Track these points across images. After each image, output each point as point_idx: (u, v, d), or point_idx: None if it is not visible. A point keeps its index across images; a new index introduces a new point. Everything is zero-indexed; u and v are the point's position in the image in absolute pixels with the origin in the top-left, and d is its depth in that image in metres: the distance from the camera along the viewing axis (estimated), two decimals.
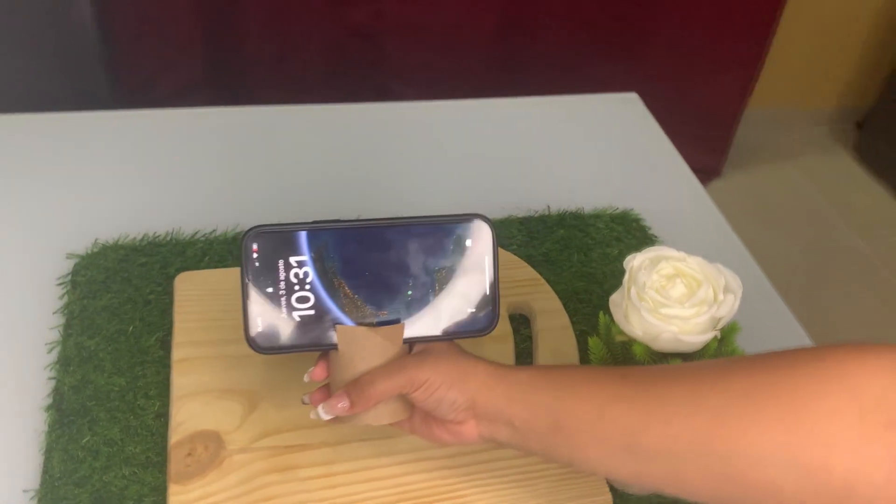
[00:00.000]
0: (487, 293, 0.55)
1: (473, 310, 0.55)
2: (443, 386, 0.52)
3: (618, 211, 0.93)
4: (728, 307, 0.54)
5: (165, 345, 0.73)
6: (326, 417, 0.54)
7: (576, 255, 0.87)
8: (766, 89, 2.29)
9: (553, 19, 1.83)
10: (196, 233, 0.84)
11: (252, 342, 0.53)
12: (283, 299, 0.53)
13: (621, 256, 0.87)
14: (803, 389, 0.43)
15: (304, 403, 0.58)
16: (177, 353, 0.70)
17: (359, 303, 0.54)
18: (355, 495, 0.62)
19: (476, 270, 0.55)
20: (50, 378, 0.70)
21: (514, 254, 0.85)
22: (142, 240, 0.83)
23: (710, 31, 1.98)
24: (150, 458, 0.64)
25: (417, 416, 0.57)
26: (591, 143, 1.06)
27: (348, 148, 0.99)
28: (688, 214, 0.96)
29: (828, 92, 2.58)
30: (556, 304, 0.79)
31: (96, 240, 0.82)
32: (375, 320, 0.54)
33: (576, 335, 0.76)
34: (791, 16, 2.15)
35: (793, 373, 0.44)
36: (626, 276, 0.56)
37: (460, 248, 0.54)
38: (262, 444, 0.64)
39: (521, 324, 0.78)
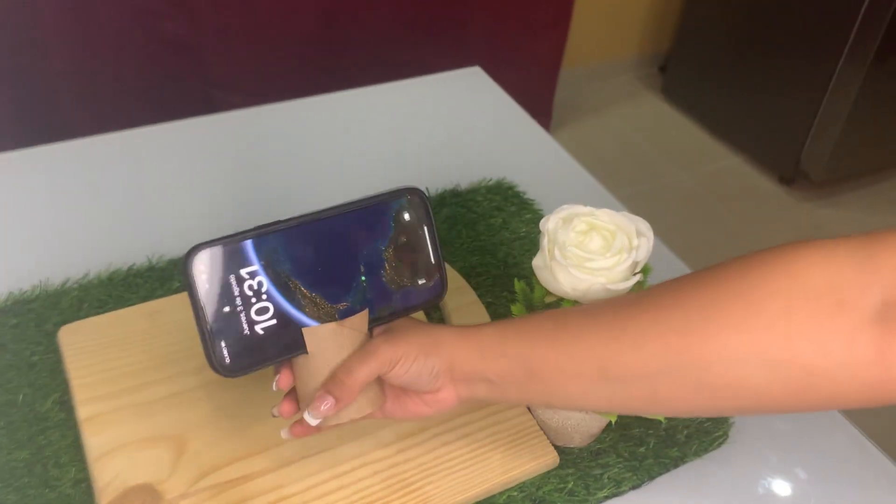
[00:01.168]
0: (433, 261, 0.56)
1: (424, 280, 0.56)
2: (420, 356, 0.52)
3: (492, 182, 0.95)
4: (644, 250, 0.56)
5: (65, 406, 0.67)
6: (315, 422, 0.52)
7: (464, 232, 0.88)
8: (573, 50, 2.40)
9: (370, 7, 1.83)
10: (66, 280, 0.78)
11: (220, 368, 0.50)
12: (242, 315, 0.50)
13: (506, 225, 0.89)
14: (757, 292, 0.46)
15: (273, 416, 0.56)
16: (82, 412, 0.65)
17: (318, 300, 0.52)
18: None
19: (419, 242, 0.55)
20: None
21: None
22: (6, 299, 0.75)
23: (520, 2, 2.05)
24: None
25: (389, 398, 0.56)
26: (449, 121, 1.07)
27: (192, 165, 0.94)
28: (554, 173, 0.99)
29: (628, 42, 2.73)
30: (460, 281, 0.79)
31: None
32: (337, 314, 0.53)
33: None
34: None
35: (744, 280, 0.47)
36: (544, 239, 0.58)
37: (401, 224, 0.54)
38: (203, 485, 0.61)
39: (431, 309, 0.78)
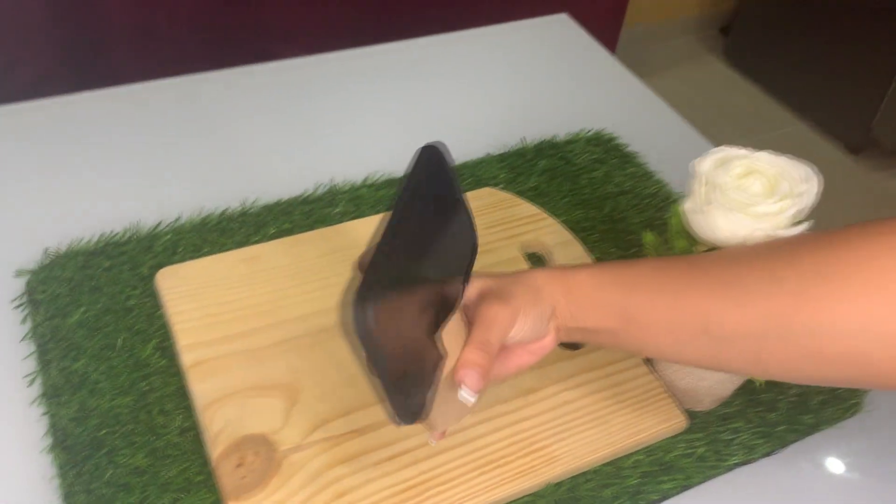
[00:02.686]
0: (461, 206, 0.51)
1: (456, 233, 0.51)
2: (531, 307, 0.50)
3: (591, 133, 0.90)
4: (810, 197, 0.51)
5: (166, 352, 0.64)
6: (472, 399, 0.48)
7: (565, 185, 0.83)
8: (633, 8, 2.32)
9: None
10: (159, 224, 0.74)
11: (411, 417, 0.47)
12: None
13: (608, 178, 0.84)
14: (881, 262, 0.43)
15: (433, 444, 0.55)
16: (187, 359, 0.62)
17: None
18: (437, 468, 0.57)
19: (442, 197, 0.50)
20: (42, 414, 0.60)
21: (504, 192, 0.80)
22: (97, 242, 0.72)
23: None
24: (191, 480, 0.56)
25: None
26: (537, 70, 1.01)
27: (276, 112, 0.90)
28: (655, 126, 0.94)
29: (689, 1, 2.64)
30: (567, 235, 0.75)
31: (46, 249, 0.71)
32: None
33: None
34: None
35: (868, 248, 0.44)
36: (697, 182, 0.53)
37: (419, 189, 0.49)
38: (317, 437, 0.58)
39: (536, 263, 0.74)
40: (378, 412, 0.59)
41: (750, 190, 0.52)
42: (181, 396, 0.61)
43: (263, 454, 0.56)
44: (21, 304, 0.67)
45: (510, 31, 1.08)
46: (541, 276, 0.52)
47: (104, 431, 0.58)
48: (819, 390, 0.65)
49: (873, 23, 2.11)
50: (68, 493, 0.55)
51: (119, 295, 0.68)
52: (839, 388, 0.65)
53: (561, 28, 1.10)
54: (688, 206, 0.54)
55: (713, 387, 0.60)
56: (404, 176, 0.48)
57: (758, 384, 0.64)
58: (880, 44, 2.10)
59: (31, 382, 0.62)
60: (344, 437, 0.58)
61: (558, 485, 0.58)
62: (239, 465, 0.56)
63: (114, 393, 0.61)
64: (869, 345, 0.43)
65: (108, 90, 0.90)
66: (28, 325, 0.65)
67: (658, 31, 2.61)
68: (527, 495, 0.57)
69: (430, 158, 0.49)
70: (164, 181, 0.80)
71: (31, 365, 0.63)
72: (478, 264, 0.53)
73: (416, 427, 0.59)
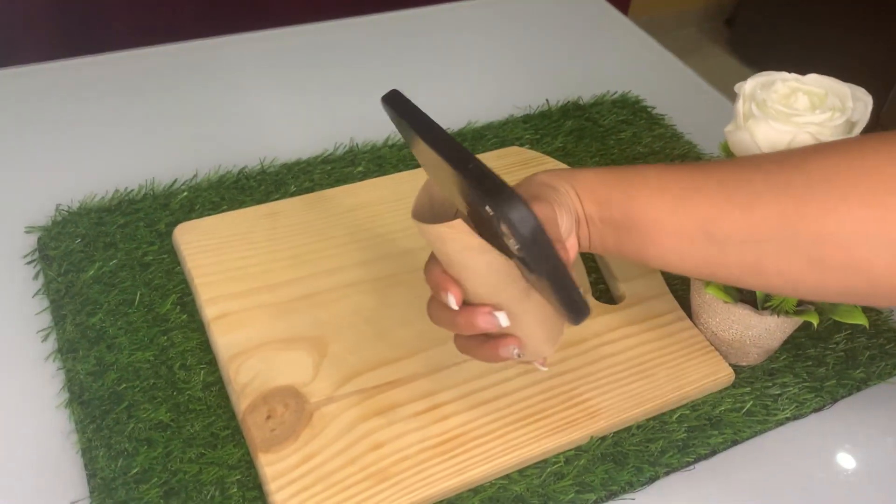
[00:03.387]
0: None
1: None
2: (560, 202, 0.46)
3: (617, 95, 0.88)
4: (862, 110, 0.49)
5: (186, 307, 0.61)
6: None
7: (593, 145, 0.81)
8: (637, 1, 2.31)
9: None
10: (174, 181, 0.72)
11: (585, 310, 0.44)
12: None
13: (636, 139, 0.82)
14: (888, 170, 0.42)
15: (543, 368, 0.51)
16: (210, 312, 0.59)
17: None
18: (476, 421, 0.54)
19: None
20: (58, 370, 0.57)
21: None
22: (112, 199, 0.69)
23: None
24: (217, 434, 0.54)
25: None
26: (559, 36, 0.99)
27: (293, 76, 0.88)
28: (683, 91, 0.92)
29: None
30: None
31: (58, 206, 0.68)
32: None
33: None
34: None
35: (878, 154, 0.43)
36: (739, 102, 0.51)
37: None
38: (349, 390, 0.55)
39: None
40: (412, 365, 0.57)
41: (795, 105, 0.49)
42: (204, 351, 0.58)
43: (293, 406, 0.53)
44: (33, 261, 0.64)
45: (534, 1, 1.06)
46: (545, 176, 0.49)
47: (123, 386, 0.55)
48: (867, 345, 0.63)
49: (879, 13, 2.10)
50: (87, 449, 0.52)
51: (136, 251, 0.65)
52: (888, 343, 0.63)
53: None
54: (729, 128, 0.52)
55: (760, 336, 0.57)
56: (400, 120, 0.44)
57: (811, 329, 0.61)
58: (887, 34, 2.08)
59: (46, 338, 0.59)
60: (377, 390, 0.55)
61: (602, 439, 0.55)
62: (268, 418, 0.53)
63: (133, 348, 0.58)
64: (873, 252, 0.42)
65: (122, 52, 0.87)
66: (41, 280, 0.63)
67: (662, 23, 2.59)
68: (569, 450, 0.54)
69: (398, 100, 0.45)
70: (179, 140, 0.77)
71: (45, 320, 0.60)
72: None
73: (451, 381, 0.56)
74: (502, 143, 0.79)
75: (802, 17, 2.32)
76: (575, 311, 0.43)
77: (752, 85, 0.51)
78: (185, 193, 0.70)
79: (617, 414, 0.55)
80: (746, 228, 0.44)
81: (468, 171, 0.39)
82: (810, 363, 0.61)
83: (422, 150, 0.44)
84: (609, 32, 1.02)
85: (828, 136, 0.48)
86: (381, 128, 0.80)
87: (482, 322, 0.46)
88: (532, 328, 0.47)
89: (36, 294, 0.62)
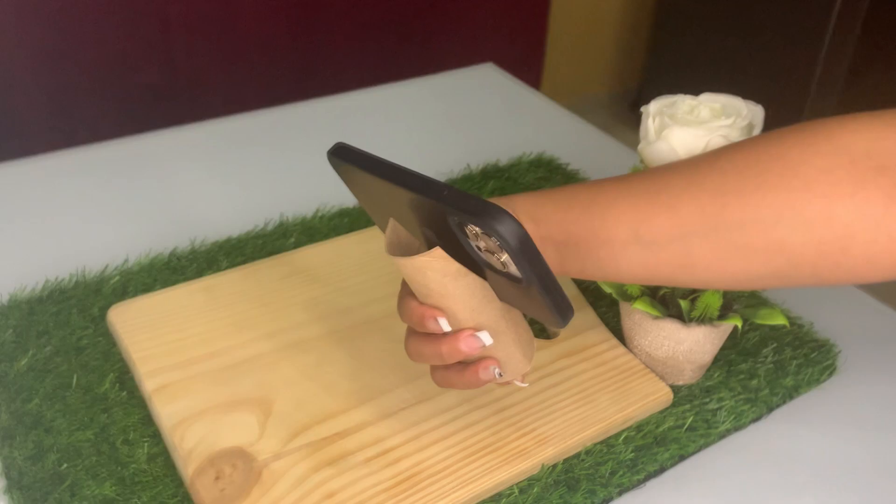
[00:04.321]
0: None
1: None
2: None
3: (532, 156, 0.92)
4: (758, 115, 0.53)
5: (126, 384, 0.60)
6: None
7: None
8: (545, 88, 2.43)
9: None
10: (105, 267, 0.72)
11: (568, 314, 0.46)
12: None
13: None
14: (795, 155, 0.46)
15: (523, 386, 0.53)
16: (150, 384, 0.58)
17: None
18: (428, 460, 0.54)
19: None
20: None
21: None
22: (42, 289, 0.69)
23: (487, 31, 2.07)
24: (165, 503, 0.52)
25: None
26: (474, 108, 1.04)
27: (219, 162, 0.90)
28: (594, 150, 0.97)
29: (598, 80, 2.78)
30: None
31: None
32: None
33: None
34: (556, 19, 2.32)
35: (783, 144, 0.47)
36: (648, 120, 0.54)
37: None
38: (297, 444, 0.55)
39: None
40: (359, 414, 0.57)
41: (700, 116, 0.53)
42: (146, 425, 0.57)
43: (241, 466, 0.53)
44: None
45: (444, 79, 1.11)
46: (501, 200, 0.51)
47: (64, 466, 0.54)
48: (794, 355, 0.65)
49: (770, 98, 2.26)
50: None
51: (69, 337, 0.64)
52: (812, 352, 0.66)
53: (489, 74, 1.14)
54: (642, 146, 0.55)
55: (691, 350, 0.59)
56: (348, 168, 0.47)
57: (736, 339, 0.64)
58: (780, 117, 2.24)
59: None
60: (326, 442, 0.55)
61: (553, 467, 0.56)
62: (217, 479, 0.52)
63: (72, 429, 0.57)
64: (789, 231, 0.45)
65: (45, 155, 0.88)
66: None
67: (572, 107, 2.72)
68: (522, 480, 0.55)
69: (346, 151, 0.47)
70: (107, 227, 0.78)
71: None
72: None
73: (400, 425, 0.56)
74: None
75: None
76: (563, 311, 0.44)
77: (656, 106, 0.55)
78: (117, 278, 0.70)
79: (565, 439, 0.56)
80: (671, 227, 0.47)
81: (444, 197, 0.41)
82: (743, 376, 0.64)
83: (379, 193, 0.46)
84: (521, 103, 1.07)
85: (736, 137, 0.52)
86: (309, 201, 0.82)
87: (465, 345, 0.47)
88: (511, 347, 0.49)
89: None
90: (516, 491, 0.54)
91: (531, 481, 0.55)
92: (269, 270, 0.70)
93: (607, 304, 0.69)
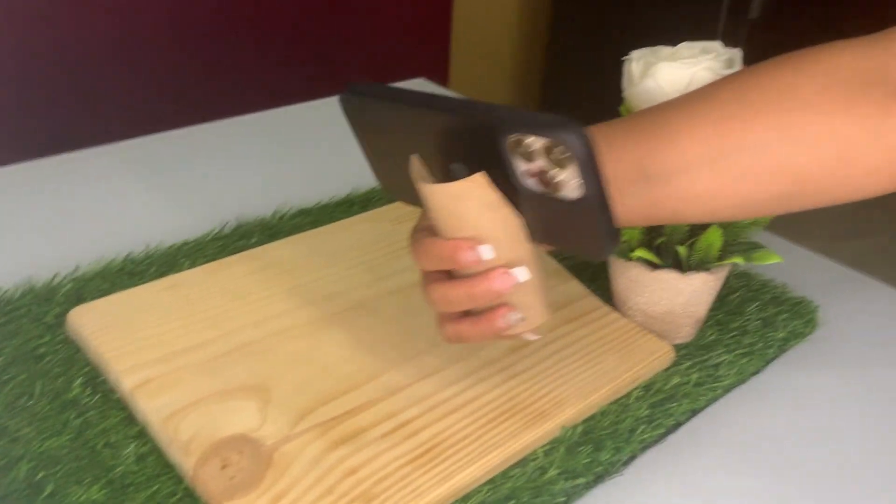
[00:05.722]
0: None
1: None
2: None
3: None
4: (738, 54, 0.54)
5: (98, 387, 0.55)
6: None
7: None
8: None
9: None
10: (55, 276, 0.66)
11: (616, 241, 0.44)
12: None
13: None
14: (792, 78, 0.47)
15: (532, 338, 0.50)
16: (129, 381, 0.53)
17: None
18: (448, 429, 0.51)
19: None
20: None
21: None
22: None
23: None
24: (164, 503, 0.47)
25: None
26: None
27: (164, 176, 0.85)
28: None
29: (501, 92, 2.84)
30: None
31: None
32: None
33: None
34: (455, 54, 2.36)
35: (778, 70, 0.48)
36: (632, 65, 0.54)
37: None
38: (306, 426, 0.50)
39: None
40: (365, 393, 0.53)
41: (682, 55, 0.54)
42: (128, 426, 0.52)
43: (248, 451, 0.48)
44: None
45: None
46: None
47: (41, 474, 0.48)
48: (777, 310, 0.66)
49: None
50: None
51: (24, 346, 0.58)
52: (794, 306, 0.67)
53: (423, 88, 1.13)
54: (627, 92, 0.55)
55: (689, 302, 0.59)
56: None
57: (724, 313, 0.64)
58: None
59: None
60: (336, 421, 0.51)
61: (573, 428, 0.54)
62: (224, 467, 0.47)
63: (42, 437, 0.51)
64: (794, 150, 0.46)
65: None
66: None
67: None
68: (544, 444, 0.52)
69: (364, 90, 0.45)
70: (55, 237, 0.72)
71: None
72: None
73: (412, 399, 0.53)
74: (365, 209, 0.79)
75: None
76: (613, 235, 0.42)
77: (639, 53, 0.56)
78: (70, 285, 0.64)
79: (581, 399, 0.54)
80: (676, 158, 0.46)
81: (499, 113, 0.39)
82: (735, 333, 0.64)
83: (400, 129, 0.43)
84: None
85: (720, 69, 0.52)
86: (266, 205, 0.78)
87: (500, 282, 0.44)
88: (534, 294, 0.47)
89: None
90: (541, 454, 0.52)
91: (554, 444, 0.52)
92: (239, 266, 0.65)
93: (588, 279, 0.69)
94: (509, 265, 0.45)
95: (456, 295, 0.45)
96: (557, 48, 2.69)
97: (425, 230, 0.47)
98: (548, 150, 0.39)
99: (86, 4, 1.55)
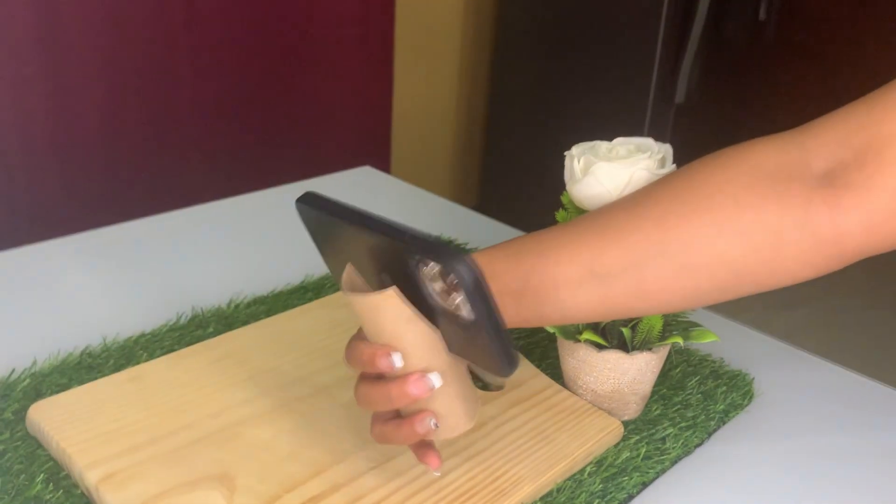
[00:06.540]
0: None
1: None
2: None
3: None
4: (669, 151, 0.59)
5: (60, 483, 0.55)
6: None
7: None
8: None
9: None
10: (12, 371, 0.66)
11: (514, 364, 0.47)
12: None
13: None
14: (719, 178, 0.52)
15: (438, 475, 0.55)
16: (93, 475, 0.53)
17: None
18: None
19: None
20: None
21: None
22: None
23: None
24: None
25: None
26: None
27: (117, 268, 0.86)
28: (484, 234, 1.02)
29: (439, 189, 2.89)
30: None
31: None
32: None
33: None
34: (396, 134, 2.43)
35: (707, 169, 0.53)
36: (574, 161, 0.58)
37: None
38: None
39: None
40: (330, 477, 0.55)
41: (620, 154, 0.58)
42: None
43: None
44: None
45: (326, 182, 1.14)
46: None
47: None
48: (716, 383, 0.70)
49: None
50: None
51: None
52: (731, 380, 0.71)
53: (369, 176, 1.17)
54: (569, 188, 0.59)
55: (635, 380, 0.62)
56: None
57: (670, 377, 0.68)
58: None
59: None
60: None
61: None
62: None
63: None
64: (729, 244, 0.50)
65: None
66: None
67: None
68: None
69: (315, 199, 0.49)
70: (8, 332, 0.72)
71: None
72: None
73: (376, 482, 0.55)
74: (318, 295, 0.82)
75: (535, 207, 2.63)
76: (510, 358, 0.46)
77: (578, 149, 0.60)
78: (28, 381, 0.65)
79: (537, 476, 0.57)
80: (623, 256, 0.50)
81: (407, 237, 0.43)
82: (678, 407, 0.67)
83: (342, 239, 0.47)
84: (408, 201, 1.11)
85: (655, 168, 0.57)
86: (220, 294, 0.80)
87: (414, 387, 0.47)
88: (454, 401, 0.49)
89: None
90: None
91: None
92: (197, 357, 0.67)
93: (537, 358, 0.72)
94: (426, 372, 0.48)
95: (376, 395, 0.48)
96: (496, 133, 2.79)
97: (360, 334, 0.50)
98: (443, 275, 0.43)
99: (21, 114, 1.56)
